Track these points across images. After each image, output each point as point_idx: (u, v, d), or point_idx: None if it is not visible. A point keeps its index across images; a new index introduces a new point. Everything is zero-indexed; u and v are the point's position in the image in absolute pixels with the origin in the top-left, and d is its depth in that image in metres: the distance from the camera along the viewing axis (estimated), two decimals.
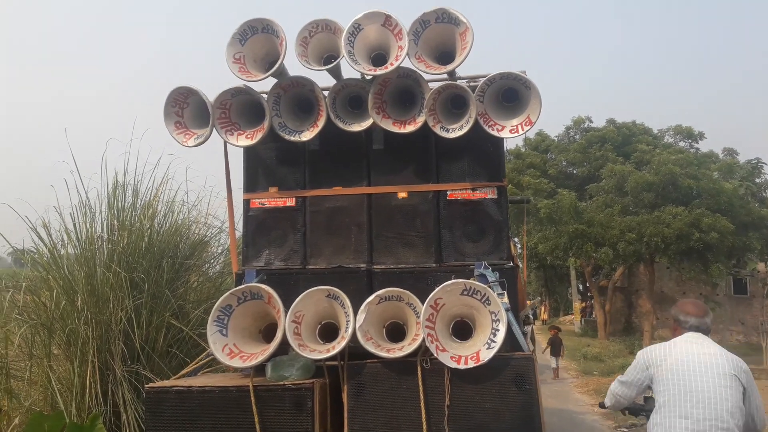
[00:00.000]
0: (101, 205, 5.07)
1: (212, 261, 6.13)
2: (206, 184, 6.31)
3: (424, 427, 2.98)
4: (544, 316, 38.48)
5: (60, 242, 5.05)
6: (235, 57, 3.59)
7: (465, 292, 3.13)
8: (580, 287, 31.80)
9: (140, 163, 5.25)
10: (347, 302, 3.15)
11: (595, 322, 26.59)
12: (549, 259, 23.33)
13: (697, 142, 22.45)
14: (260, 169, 3.90)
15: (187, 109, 3.73)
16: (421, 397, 3.03)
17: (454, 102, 3.61)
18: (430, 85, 3.53)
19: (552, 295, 40.94)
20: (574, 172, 22.66)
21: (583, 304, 31.35)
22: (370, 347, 3.08)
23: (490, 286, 3.20)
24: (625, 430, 8.08)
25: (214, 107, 3.61)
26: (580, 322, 29.28)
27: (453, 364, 2.99)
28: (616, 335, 24.59)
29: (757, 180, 20.63)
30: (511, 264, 3.61)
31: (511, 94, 3.53)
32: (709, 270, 18.13)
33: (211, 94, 3.61)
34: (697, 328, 3.09)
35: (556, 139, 23.63)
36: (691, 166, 18.28)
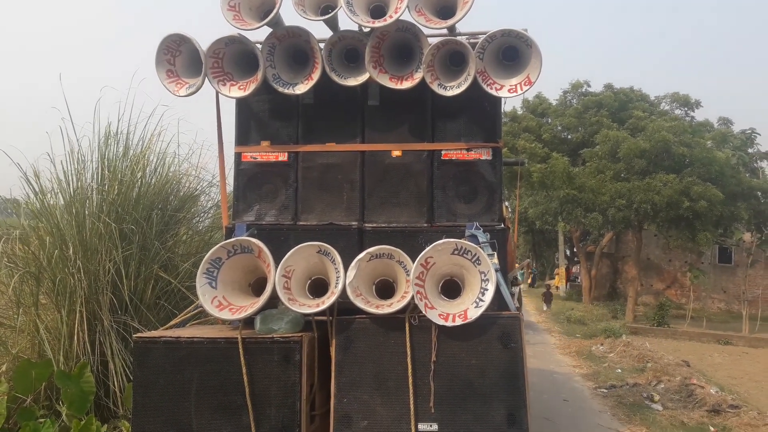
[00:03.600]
0: (92, 154, 4.99)
1: (202, 215, 6.10)
2: (198, 137, 6.22)
3: (410, 381, 3.03)
4: (528, 280, 38.79)
5: (50, 191, 4.99)
6: (230, 4, 3.48)
7: (456, 252, 3.13)
8: (568, 252, 32.13)
9: (134, 113, 5.15)
10: (338, 258, 3.15)
11: (580, 286, 26.99)
12: (538, 224, 23.52)
13: (693, 111, 22.38)
14: (252, 122, 3.83)
15: (179, 57, 3.63)
16: (408, 352, 3.06)
17: (453, 59, 3.53)
18: (430, 40, 3.45)
19: (539, 260, 41.37)
20: (569, 136, 22.56)
21: (558, 271, 31.55)
22: (360, 303, 3.09)
23: (480, 247, 3.20)
24: (604, 390, 8.31)
25: (207, 56, 3.52)
26: (566, 286, 29.67)
27: (441, 322, 3.02)
28: (601, 300, 25.02)
29: (750, 150, 20.70)
30: (503, 225, 3.61)
31: (512, 52, 3.46)
32: (697, 238, 18.33)
33: (204, 43, 3.52)
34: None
35: (554, 102, 23.42)
36: (684, 134, 18.28)
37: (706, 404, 7.10)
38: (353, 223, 3.62)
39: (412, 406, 3.01)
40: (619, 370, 9.84)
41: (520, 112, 23.11)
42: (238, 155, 3.81)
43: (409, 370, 3.04)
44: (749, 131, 20.92)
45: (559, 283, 30.06)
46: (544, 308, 20.85)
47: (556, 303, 22.03)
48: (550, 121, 22.84)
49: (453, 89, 3.40)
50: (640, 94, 22.47)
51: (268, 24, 3.47)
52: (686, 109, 22.47)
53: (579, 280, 28.72)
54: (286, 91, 3.57)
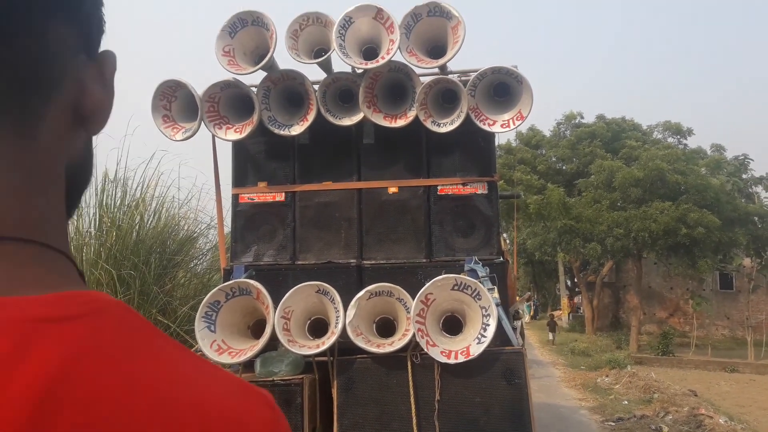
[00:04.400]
0: (90, 200, 5.02)
1: (200, 257, 6.08)
2: (197, 180, 6.27)
3: (414, 422, 2.98)
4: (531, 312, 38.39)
5: None
6: (224, 50, 3.55)
7: (456, 287, 3.12)
8: (568, 283, 32.00)
9: (132, 159, 5.21)
10: (337, 297, 3.13)
11: (583, 317, 26.79)
12: (537, 255, 23.51)
13: (686, 138, 22.70)
14: (249, 163, 3.86)
15: (175, 103, 3.68)
16: (411, 392, 3.02)
17: (445, 96, 3.59)
18: (422, 79, 3.52)
19: (540, 291, 41.19)
20: (563, 167, 22.78)
21: (563, 302, 31.50)
22: (360, 342, 3.06)
23: (480, 281, 3.19)
24: (612, 423, 8.17)
25: (202, 100, 3.57)
26: (568, 317, 29.45)
27: (443, 359, 2.99)
28: (604, 330, 24.82)
29: (744, 176, 20.89)
30: (501, 259, 3.60)
31: (503, 88, 3.52)
32: (697, 265, 18.33)
33: (200, 88, 3.57)
34: None
35: (548, 133, 23.72)
36: (678, 162, 18.47)
37: None
38: (352, 260, 3.61)
39: None
40: (626, 402, 9.69)
41: (514, 144, 23.37)
42: (235, 197, 3.82)
43: (413, 410, 2.99)
44: (742, 157, 21.16)
45: (564, 314, 29.87)
46: (550, 337, 21.20)
47: (559, 335, 21.93)
48: (544, 152, 23.09)
49: (446, 126, 3.44)
50: (632, 123, 22.81)
51: (262, 68, 3.53)
52: (679, 137, 22.78)
53: (581, 311, 28.53)
54: (281, 132, 3.61)
